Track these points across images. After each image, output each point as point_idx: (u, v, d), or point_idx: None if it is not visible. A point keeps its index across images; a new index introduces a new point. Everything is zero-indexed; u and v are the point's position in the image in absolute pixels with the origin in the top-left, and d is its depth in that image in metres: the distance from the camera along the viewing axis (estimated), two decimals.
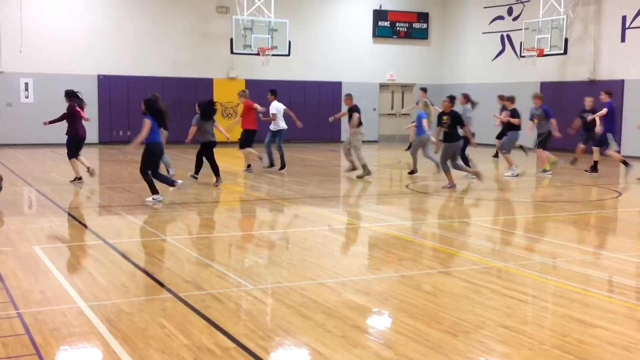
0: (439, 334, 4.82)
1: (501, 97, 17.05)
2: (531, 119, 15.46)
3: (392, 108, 26.49)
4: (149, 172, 10.38)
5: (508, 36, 24.63)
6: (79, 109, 12.82)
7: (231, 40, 21.83)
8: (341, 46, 25.55)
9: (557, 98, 23.13)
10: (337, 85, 25.37)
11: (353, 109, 14.19)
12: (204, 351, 4.43)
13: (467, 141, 13.18)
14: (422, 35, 26.81)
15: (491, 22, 25.32)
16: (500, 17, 24.96)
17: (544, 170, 15.18)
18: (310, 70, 24.91)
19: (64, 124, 12.98)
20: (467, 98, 15.40)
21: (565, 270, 6.72)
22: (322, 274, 6.50)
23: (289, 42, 22.27)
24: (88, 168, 13.03)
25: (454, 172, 12.70)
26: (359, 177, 14.11)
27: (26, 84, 21.48)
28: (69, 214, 9.71)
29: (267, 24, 22.00)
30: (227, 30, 22.38)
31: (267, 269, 6.88)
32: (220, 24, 23.38)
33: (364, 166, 14.10)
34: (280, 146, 15.50)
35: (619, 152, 17.16)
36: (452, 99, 12.77)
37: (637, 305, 5.72)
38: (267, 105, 15.76)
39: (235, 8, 22.27)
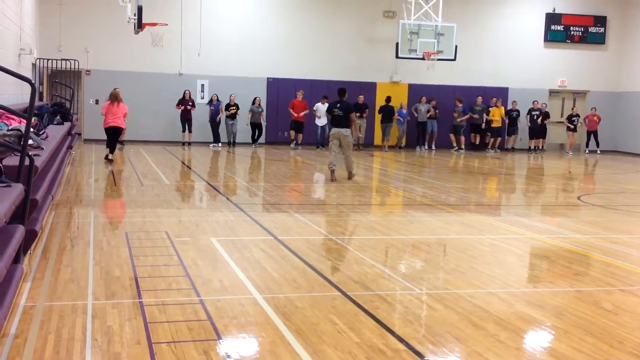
0: (622, 354, 4.52)
1: None
2: None
3: (561, 116, 25.31)
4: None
5: None
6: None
7: (397, 44, 21.89)
8: (510, 51, 24.78)
9: None
10: (504, 91, 24.64)
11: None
12: (375, 351, 4.45)
13: None
14: (599, 39, 25.39)
15: None
16: None
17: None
18: (474, 76, 24.35)
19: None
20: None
21: None
22: (491, 283, 6.32)
23: (455, 47, 21.96)
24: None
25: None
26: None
27: (202, 85, 22.84)
28: (241, 209, 10.17)
29: (434, 28, 21.84)
30: (393, 35, 22.49)
31: (434, 274, 6.80)
32: (386, 29, 23.52)
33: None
34: None
35: None
36: None
37: None
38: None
39: (402, 12, 22.33)
